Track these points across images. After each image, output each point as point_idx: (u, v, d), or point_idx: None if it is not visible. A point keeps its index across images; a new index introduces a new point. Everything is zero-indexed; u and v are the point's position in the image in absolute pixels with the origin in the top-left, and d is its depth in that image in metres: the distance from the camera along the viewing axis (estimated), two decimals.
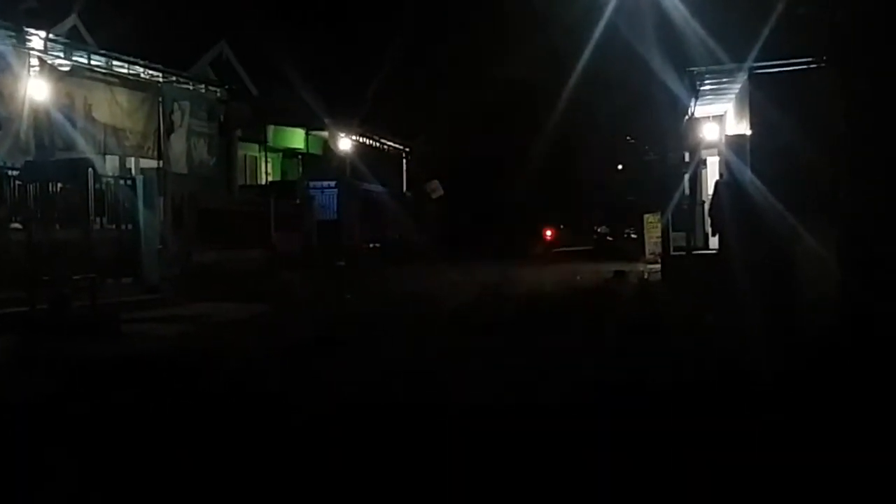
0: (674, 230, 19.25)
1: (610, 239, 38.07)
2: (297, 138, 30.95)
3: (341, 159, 31.37)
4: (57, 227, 14.65)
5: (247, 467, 5.92)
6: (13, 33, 15.81)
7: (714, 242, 16.22)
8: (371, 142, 34.28)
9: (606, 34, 20.54)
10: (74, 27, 20.87)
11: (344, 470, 5.88)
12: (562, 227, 41.00)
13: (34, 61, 16.60)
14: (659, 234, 21.66)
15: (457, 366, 9.61)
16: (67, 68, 17.45)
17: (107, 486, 5.62)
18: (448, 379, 8.85)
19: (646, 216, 26.25)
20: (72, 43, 18.15)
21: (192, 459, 6.13)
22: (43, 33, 16.52)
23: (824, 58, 12.44)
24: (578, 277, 20.73)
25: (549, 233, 39.42)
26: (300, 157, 32.03)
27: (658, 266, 20.31)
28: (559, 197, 38.42)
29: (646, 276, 19.65)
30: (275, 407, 7.74)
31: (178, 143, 20.71)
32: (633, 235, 32.63)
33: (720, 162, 16.63)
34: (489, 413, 7.33)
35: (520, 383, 8.59)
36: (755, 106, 13.97)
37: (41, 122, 16.67)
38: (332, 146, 31.63)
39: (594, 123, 35.52)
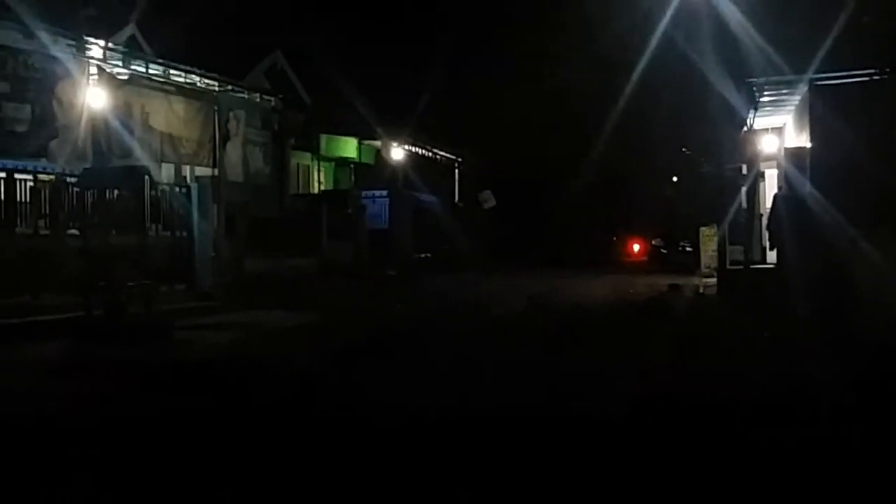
0: (730, 243, 18.94)
1: (664, 252, 37.65)
2: (349, 147, 31.07)
3: (393, 169, 31.43)
4: (113, 233, 14.79)
5: (289, 474, 5.89)
6: (73, 42, 16.01)
7: (772, 256, 15.94)
8: (423, 151, 34.31)
9: (662, 44, 20.37)
10: (132, 36, 21.17)
11: (389, 480, 5.82)
12: (615, 239, 40.64)
13: (93, 70, 16.81)
14: (715, 247, 21.34)
15: (505, 377, 9.50)
16: (126, 77, 17.66)
17: (154, 491, 5.61)
18: (497, 390, 8.74)
19: (701, 229, 25.91)
20: (130, 52, 18.38)
21: (239, 466, 6.12)
22: (102, 42, 16.73)
23: (887, 69, 12.19)
24: (631, 290, 20.49)
25: (620, 243, 39.20)
26: (352, 166, 32.14)
27: (714, 280, 19.99)
28: (612, 209, 38.11)
29: (701, 290, 19.36)
30: (321, 415, 7.70)
31: (233, 152, 20.88)
32: (688, 248, 32.23)
33: (779, 175, 16.36)
34: (538, 424, 7.22)
35: (571, 395, 8.45)
36: (816, 118, 13.73)
37: (99, 130, 16.89)
38: (384, 155, 31.70)
39: (649, 135, 35.22)
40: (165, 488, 5.73)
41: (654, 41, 20.29)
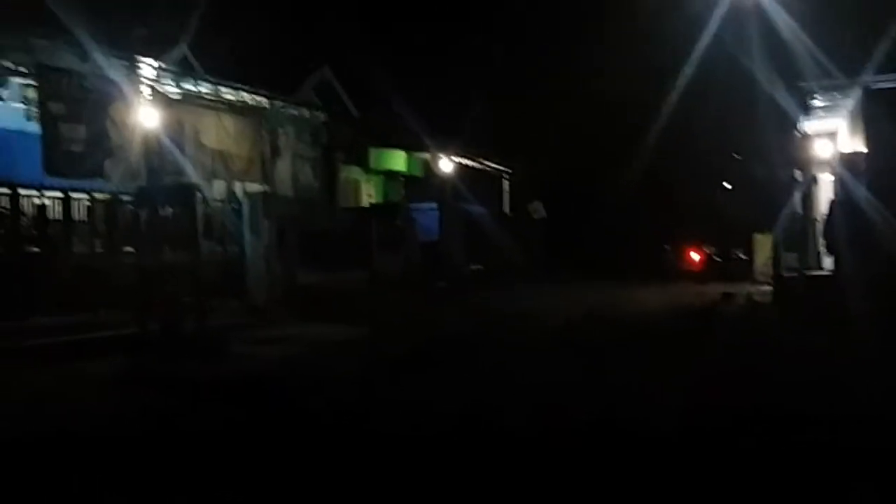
0: (785, 250, 18.67)
1: (718, 259, 37.22)
2: (398, 160, 31.13)
3: (443, 181, 31.42)
4: (166, 250, 14.97)
5: (339, 486, 5.90)
6: (126, 63, 16.26)
7: (829, 263, 15.69)
8: (472, 163, 34.28)
9: (711, 49, 20.19)
10: (184, 55, 21.43)
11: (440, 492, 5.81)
12: (668, 247, 40.23)
13: (146, 89, 17.05)
14: (769, 254, 21.05)
15: (557, 389, 9.43)
16: (177, 96, 17.89)
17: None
18: (547, 401, 8.68)
19: (755, 236, 25.55)
20: (181, 71, 18.61)
21: (292, 478, 6.15)
22: (154, 62, 16.97)
23: None
24: (685, 299, 20.28)
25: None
26: (401, 178, 32.20)
27: (768, 288, 19.72)
28: (664, 216, 37.74)
29: (756, 298, 19.09)
30: (371, 429, 7.72)
31: (283, 167, 21.05)
32: (741, 256, 31.84)
33: (834, 180, 16.11)
34: (591, 436, 7.16)
35: (625, 407, 8.38)
36: (870, 122, 13.53)
37: (152, 149, 17.11)
38: (433, 168, 31.72)
39: (698, 141, 34.88)
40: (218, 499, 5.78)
41: (702, 46, 20.11)
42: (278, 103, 20.90)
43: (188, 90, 18.20)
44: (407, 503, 5.68)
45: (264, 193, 19.20)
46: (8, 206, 13.38)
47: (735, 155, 34.46)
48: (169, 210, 15.45)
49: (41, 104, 14.70)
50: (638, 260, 33.19)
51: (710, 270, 33.55)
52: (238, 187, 20.33)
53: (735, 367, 10.15)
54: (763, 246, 23.85)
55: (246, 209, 17.48)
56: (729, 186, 38.81)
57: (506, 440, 7.19)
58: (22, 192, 13.65)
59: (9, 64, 15.28)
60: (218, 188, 19.55)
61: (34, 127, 15.05)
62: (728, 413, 7.81)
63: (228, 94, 19.16)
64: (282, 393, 9.79)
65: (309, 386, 10.25)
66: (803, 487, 5.83)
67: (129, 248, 14.94)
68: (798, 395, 8.62)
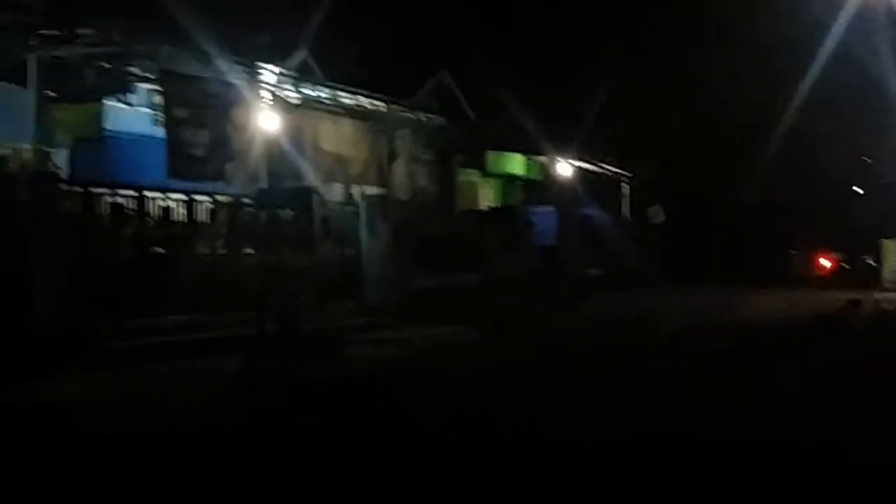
0: None
1: (845, 265, 36.01)
2: (516, 163, 31.07)
3: (561, 184, 31.20)
4: (285, 251, 15.28)
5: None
6: (248, 69, 16.65)
7: None
8: (591, 166, 33.95)
9: (838, 52, 19.54)
10: (304, 61, 21.84)
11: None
12: (793, 252, 39.04)
13: (266, 95, 17.43)
14: None
15: (674, 397, 9.21)
16: (297, 101, 18.24)
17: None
18: (664, 410, 8.48)
19: (883, 241, 24.61)
20: (301, 76, 18.96)
21: (395, 482, 6.15)
22: (275, 68, 17.33)
23: None
24: (809, 306, 19.63)
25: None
26: (520, 182, 32.11)
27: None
28: (787, 221, 36.67)
29: (883, 306, 18.35)
30: (482, 434, 7.66)
31: (400, 170, 21.27)
32: (870, 262, 30.69)
33: None
34: (709, 450, 6.94)
35: (742, 415, 8.12)
36: None
37: (272, 153, 17.49)
38: (551, 171, 31.54)
39: (826, 145, 33.78)
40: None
41: (828, 49, 19.48)
42: (396, 108, 21.09)
43: (307, 95, 18.53)
44: None
45: (381, 196, 19.40)
46: (135, 207, 13.82)
47: (865, 159, 33.31)
48: (288, 212, 15.81)
49: (166, 109, 15.19)
50: (761, 265, 32.30)
51: (836, 276, 32.48)
52: (355, 190, 20.61)
53: (862, 380, 9.76)
54: (891, 252, 22.97)
55: (363, 212, 17.69)
56: (860, 191, 37.51)
57: (617, 451, 7.01)
58: (148, 194, 14.08)
59: (136, 70, 15.83)
60: (336, 191, 19.85)
61: (160, 131, 15.55)
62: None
63: (347, 98, 19.43)
64: (394, 395, 9.84)
65: (422, 388, 10.30)
66: None
67: (249, 250, 15.27)
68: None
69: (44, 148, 14.57)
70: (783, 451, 6.77)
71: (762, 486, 5.93)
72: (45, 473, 6.44)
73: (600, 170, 34.95)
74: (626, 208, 37.40)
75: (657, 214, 34.65)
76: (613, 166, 35.86)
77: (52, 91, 15.18)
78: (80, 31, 13.99)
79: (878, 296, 21.10)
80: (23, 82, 14.19)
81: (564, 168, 31.31)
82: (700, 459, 6.65)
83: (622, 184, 37.63)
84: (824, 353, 12.17)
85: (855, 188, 37.78)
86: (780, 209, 36.20)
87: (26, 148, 14.56)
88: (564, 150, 30.71)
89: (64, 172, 15.07)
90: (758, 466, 6.39)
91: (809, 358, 11.75)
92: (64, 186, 13.24)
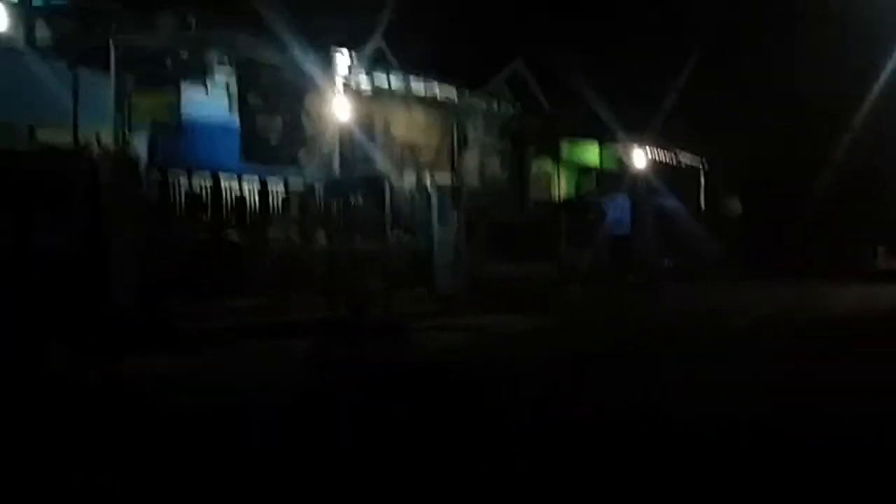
0: None
1: None
2: (590, 153, 30.84)
3: (636, 174, 30.91)
4: (357, 237, 15.42)
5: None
6: (321, 57, 16.81)
7: None
8: (666, 156, 33.56)
9: None
10: (379, 49, 21.95)
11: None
12: (878, 247, 38.16)
13: (339, 82, 17.58)
14: None
15: (743, 390, 9.07)
16: (369, 88, 18.36)
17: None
18: (734, 400, 8.37)
19: None
20: (373, 64, 19.08)
21: (460, 464, 6.18)
22: (348, 56, 17.46)
23: None
24: (890, 301, 19.17)
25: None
26: (593, 171, 31.88)
27: None
28: (869, 214, 35.82)
29: None
30: (546, 420, 7.66)
31: (471, 159, 21.27)
32: None
33: None
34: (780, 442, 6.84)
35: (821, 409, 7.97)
36: None
37: (344, 140, 17.64)
38: (626, 160, 31.25)
39: None
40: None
41: None
42: (468, 96, 21.09)
43: (380, 83, 18.62)
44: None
45: (453, 185, 19.42)
46: (210, 193, 14.07)
47: None
48: (360, 199, 15.94)
49: (241, 96, 15.42)
50: (842, 258, 31.63)
51: None
52: (427, 178, 20.67)
53: None
54: None
55: (435, 200, 17.76)
56: None
57: (690, 439, 6.95)
58: (223, 179, 14.32)
59: (213, 58, 16.09)
60: (407, 179, 19.93)
61: (235, 118, 15.79)
62: None
63: (419, 86, 19.48)
64: (461, 380, 9.91)
65: (489, 374, 10.34)
66: None
67: (321, 236, 15.44)
68: None
69: (123, 133, 14.90)
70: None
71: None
72: (140, 445, 6.70)
73: (676, 160, 34.53)
74: (702, 199, 36.91)
75: (733, 206, 34.14)
76: (690, 157, 35.41)
77: (132, 77, 15.51)
78: (159, 19, 14.26)
79: None
80: (104, 68, 14.51)
81: (640, 157, 31.01)
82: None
83: (699, 174, 37.14)
84: None
85: None
86: (862, 201, 35.38)
87: (107, 133, 14.90)
88: (640, 139, 30.42)
89: (142, 157, 15.40)
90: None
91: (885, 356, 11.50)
92: (142, 171, 13.52)
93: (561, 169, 29.94)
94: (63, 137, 15.01)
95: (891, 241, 37.92)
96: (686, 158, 35.24)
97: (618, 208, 28.25)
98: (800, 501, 5.42)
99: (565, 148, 29.44)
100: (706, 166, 36.71)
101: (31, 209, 11.55)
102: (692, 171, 36.67)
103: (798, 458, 6.25)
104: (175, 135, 16.30)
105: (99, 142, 15.27)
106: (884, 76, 24.47)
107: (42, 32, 14.64)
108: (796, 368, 10.32)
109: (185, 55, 15.81)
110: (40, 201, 11.71)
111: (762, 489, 5.52)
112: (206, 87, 16.79)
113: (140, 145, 15.95)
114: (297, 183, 15.71)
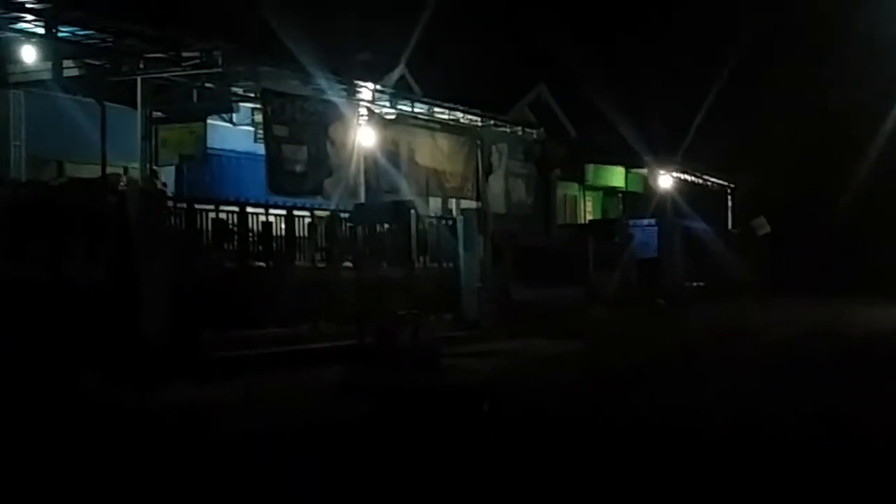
0: None
1: None
2: (616, 176, 30.88)
3: (662, 196, 30.88)
4: (383, 265, 15.48)
5: None
6: (345, 86, 16.96)
7: None
8: (693, 178, 33.52)
9: None
10: (402, 76, 22.15)
11: None
12: None
13: (363, 111, 17.72)
14: None
15: (770, 412, 9.03)
16: (393, 116, 18.49)
17: None
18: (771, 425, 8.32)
19: None
20: (397, 92, 19.24)
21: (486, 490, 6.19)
22: (371, 85, 17.61)
23: None
24: None
25: None
26: (620, 195, 31.91)
27: None
28: None
29: None
30: (580, 443, 7.65)
31: (496, 184, 21.32)
32: None
33: None
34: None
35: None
36: None
37: (369, 168, 17.76)
38: (652, 183, 31.24)
39: None
40: None
41: None
42: (491, 122, 21.19)
43: (403, 111, 18.77)
44: None
45: (478, 210, 19.47)
46: (236, 222, 14.18)
47: None
48: (385, 226, 16.01)
49: (266, 127, 15.57)
50: (872, 276, 31.33)
51: None
52: (452, 204, 20.76)
53: None
54: None
55: (460, 225, 17.80)
56: None
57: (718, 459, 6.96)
58: (249, 209, 14.43)
59: (238, 90, 16.29)
60: (432, 205, 20.03)
61: (260, 148, 15.95)
62: None
63: (442, 113, 19.61)
64: (495, 404, 9.90)
65: (521, 399, 10.34)
66: None
67: (348, 263, 15.51)
68: None
69: (151, 166, 15.09)
70: None
71: None
72: (179, 472, 6.83)
73: (703, 181, 34.46)
74: (730, 220, 36.76)
75: (762, 226, 33.95)
76: (717, 177, 35.33)
77: (159, 111, 15.73)
78: (185, 53, 14.45)
79: None
80: (132, 103, 14.73)
81: (666, 180, 30.98)
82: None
83: (726, 195, 37.03)
84: None
85: None
86: (890, 218, 35.09)
87: (134, 166, 15.11)
88: (666, 161, 30.40)
89: (170, 189, 15.59)
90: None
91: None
92: (170, 203, 13.67)
93: (586, 192, 29.99)
94: (91, 171, 15.26)
95: None
96: (713, 179, 35.17)
97: (644, 231, 28.19)
98: None
99: (591, 171, 29.50)
100: (733, 186, 36.60)
101: (63, 241, 11.70)
102: (719, 192, 36.57)
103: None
104: (202, 167, 16.52)
105: (127, 175, 15.51)
106: None
107: (70, 68, 14.88)
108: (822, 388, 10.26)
109: (210, 88, 16.03)
110: (71, 234, 11.87)
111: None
112: (231, 119, 17.03)
113: (167, 178, 16.18)
114: (323, 211, 15.81)
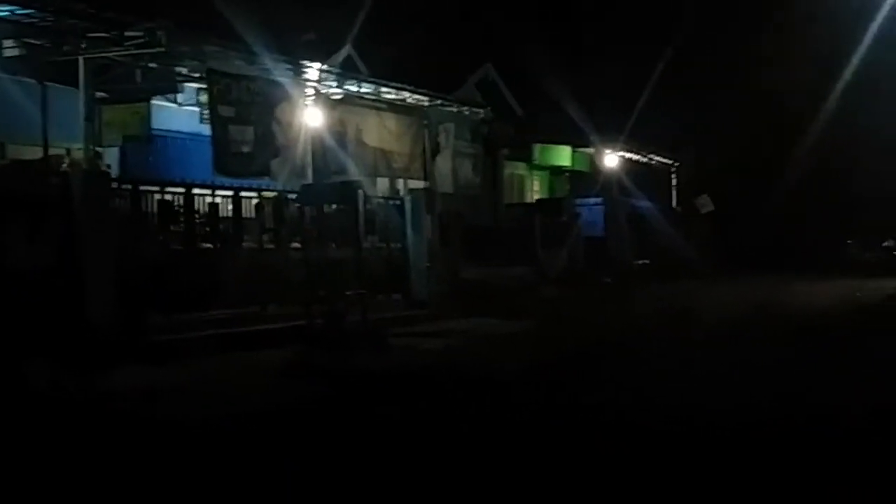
0: None
1: None
2: (563, 156, 31.02)
3: (608, 175, 31.12)
4: (331, 246, 15.43)
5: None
6: (291, 66, 16.82)
7: None
8: (638, 157, 33.82)
9: (885, 29, 19.25)
10: (349, 56, 22.03)
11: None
12: (849, 241, 38.64)
13: (310, 91, 17.60)
14: None
15: (719, 388, 9.21)
16: (340, 96, 18.39)
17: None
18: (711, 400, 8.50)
19: None
20: (344, 72, 19.12)
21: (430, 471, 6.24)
22: (318, 65, 17.48)
23: None
24: (858, 294, 19.42)
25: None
26: (566, 174, 32.08)
27: None
28: (839, 208, 36.23)
29: None
30: (526, 422, 7.74)
31: (443, 164, 21.34)
32: None
33: None
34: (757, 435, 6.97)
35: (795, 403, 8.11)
36: None
37: (316, 148, 17.66)
38: (598, 162, 31.46)
39: (876, 128, 33.29)
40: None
41: (875, 27, 19.20)
42: (438, 102, 21.15)
43: (350, 91, 18.67)
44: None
45: (426, 190, 19.48)
46: (182, 204, 14.04)
47: None
48: (333, 207, 15.95)
49: (212, 108, 15.40)
50: (814, 253, 31.96)
51: (889, 265, 32.08)
52: (400, 184, 20.73)
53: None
54: None
55: (408, 205, 17.81)
56: None
57: (662, 436, 7.08)
58: (195, 191, 14.30)
59: (183, 70, 16.08)
60: (380, 185, 19.98)
61: (206, 129, 15.79)
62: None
63: (389, 93, 19.54)
64: (439, 385, 9.95)
65: (472, 378, 10.39)
66: None
67: (295, 244, 15.44)
68: None
69: (94, 147, 14.86)
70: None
71: None
72: (119, 458, 6.78)
73: (647, 160, 34.78)
74: (674, 198, 37.17)
75: (705, 204, 34.39)
76: (661, 156, 35.67)
77: (102, 92, 15.48)
78: (128, 32, 14.22)
79: None
80: (73, 84, 14.48)
81: (612, 159, 31.22)
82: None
83: (671, 174, 37.41)
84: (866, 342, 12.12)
85: None
86: (832, 196, 35.75)
87: (78, 148, 14.87)
88: (612, 141, 30.62)
89: (114, 171, 15.38)
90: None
91: (850, 346, 11.73)
92: (114, 185, 13.50)
93: (533, 172, 30.11)
94: (33, 153, 14.99)
95: (861, 234, 38.42)
96: (657, 158, 35.51)
97: (591, 210, 28.43)
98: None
99: (537, 151, 29.61)
100: (677, 166, 37.00)
101: (4, 225, 11.50)
102: (664, 171, 36.94)
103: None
104: (146, 148, 16.30)
105: (70, 156, 15.26)
106: (849, 74, 24.79)
107: (10, 48, 14.60)
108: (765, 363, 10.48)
109: (154, 68, 15.80)
110: (13, 217, 11.66)
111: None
112: (176, 99, 16.81)
113: (111, 159, 15.95)
114: (270, 192, 15.71)
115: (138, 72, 15.84)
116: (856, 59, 23.56)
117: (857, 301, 17.96)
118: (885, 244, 37.58)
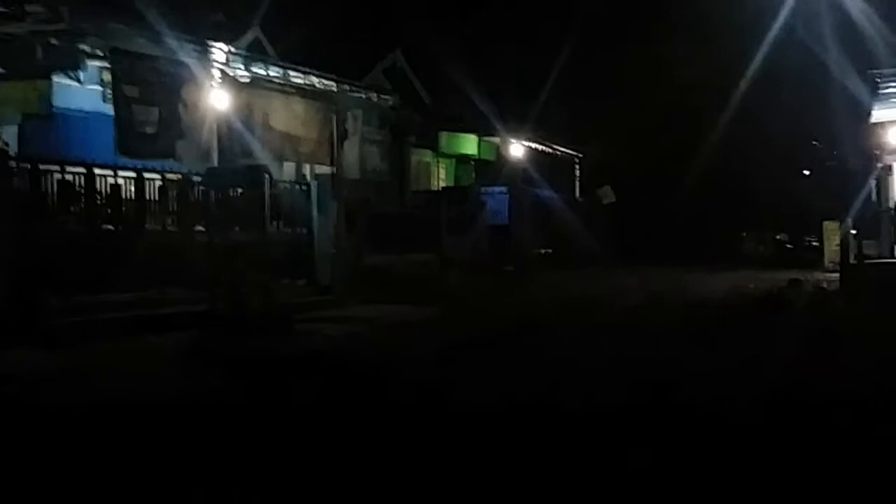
0: (856, 238, 18.46)
1: (789, 246, 36.91)
2: (469, 144, 31.28)
3: (513, 165, 31.51)
4: (236, 229, 15.35)
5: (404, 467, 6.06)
6: (198, 47, 16.63)
7: None
8: (543, 147, 34.29)
9: (784, 34, 19.90)
10: (256, 39, 21.84)
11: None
12: (745, 234, 39.94)
13: (217, 73, 17.42)
14: (838, 241, 20.81)
15: (611, 373, 9.51)
16: (247, 79, 18.24)
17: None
18: (599, 384, 8.78)
19: (825, 223, 25.39)
20: (251, 55, 18.97)
21: (340, 456, 6.33)
22: (225, 46, 17.32)
23: None
24: (752, 285, 20.12)
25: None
26: (473, 162, 32.36)
27: (836, 275, 19.52)
28: (736, 203, 37.37)
29: (823, 285, 18.89)
30: (433, 405, 7.89)
31: (351, 150, 21.35)
32: (813, 243, 31.57)
33: None
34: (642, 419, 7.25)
35: (681, 389, 8.43)
36: None
37: (222, 131, 17.48)
38: (503, 152, 31.82)
39: (774, 127, 34.42)
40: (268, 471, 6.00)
41: (774, 32, 19.85)
42: (347, 88, 21.14)
43: (258, 74, 18.54)
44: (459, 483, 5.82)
45: (332, 175, 19.47)
46: (83, 185, 13.79)
47: (815, 143, 34.01)
48: (238, 191, 15.87)
49: (115, 87, 15.15)
50: (709, 246, 32.92)
51: (781, 257, 33.27)
52: (306, 169, 20.66)
53: (789, 351, 10.15)
54: (833, 234, 23.66)
55: (314, 190, 17.77)
56: (807, 173, 38.27)
57: (568, 419, 7.31)
58: (97, 171, 14.04)
59: (85, 48, 15.75)
60: (286, 170, 19.89)
61: (109, 109, 15.51)
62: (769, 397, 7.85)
63: (297, 77, 19.45)
64: (343, 371, 10.02)
65: (371, 365, 10.47)
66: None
67: (199, 228, 15.31)
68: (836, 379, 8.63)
69: None
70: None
71: None
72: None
73: (552, 151, 35.28)
74: (577, 189, 37.81)
75: (607, 195, 35.10)
76: (566, 147, 36.22)
77: (1, 68, 15.09)
78: (29, 7, 13.89)
79: (820, 276, 21.69)
80: None
81: (517, 149, 31.60)
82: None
83: (575, 165, 38.03)
84: (760, 328, 12.60)
85: (804, 171, 38.56)
86: (728, 190, 36.85)
87: None
88: (517, 131, 30.99)
89: (12, 149, 15.00)
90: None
91: (745, 333, 12.19)
92: (12, 163, 13.18)
93: (440, 160, 30.29)
94: None
95: (755, 227, 39.75)
96: (562, 149, 36.06)
97: (496, 199, 28.76)
98: None
99: (444, 139, 29.79)
100: (581, 156, 37.64)
101: None
102: (568, 162, 37.55)
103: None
104: (47, 126, 15.92)
105: None
106: (750, 68, 25.54)
107: None
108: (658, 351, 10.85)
109: (56, 45, 15.44)
110: None
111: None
112: (79, 77, 16.46)
113: (10, 137, 15.54)
114: (174, 174, 15.53)
115: (39, 48, 15.44)
116: (757, 63, 24.31)
117: (750, 292, 18.60)
118: (778, 237, 39.04)
